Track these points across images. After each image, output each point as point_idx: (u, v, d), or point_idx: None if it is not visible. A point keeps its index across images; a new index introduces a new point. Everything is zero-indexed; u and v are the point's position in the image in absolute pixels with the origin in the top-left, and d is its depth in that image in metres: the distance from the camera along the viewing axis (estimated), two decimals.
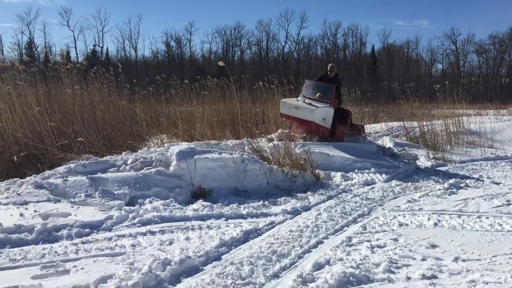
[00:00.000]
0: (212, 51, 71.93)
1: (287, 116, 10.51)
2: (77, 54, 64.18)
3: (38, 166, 7.93)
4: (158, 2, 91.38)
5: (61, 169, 7.27)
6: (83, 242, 4.81)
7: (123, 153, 8.25)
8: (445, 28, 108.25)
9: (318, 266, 4.24)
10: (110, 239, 4.95)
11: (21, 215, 5.43)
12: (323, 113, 10.00)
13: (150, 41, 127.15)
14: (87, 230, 5.15)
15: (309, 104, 9.98)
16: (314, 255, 4.59)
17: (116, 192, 6.43)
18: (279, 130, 11.65)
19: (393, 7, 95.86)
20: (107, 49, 69.70)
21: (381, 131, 15.24)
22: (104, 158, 7.85)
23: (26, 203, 5.88)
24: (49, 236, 4.93)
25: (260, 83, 14.30)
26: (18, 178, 6.91)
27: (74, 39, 67.81)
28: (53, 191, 6.33)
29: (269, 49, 70.58)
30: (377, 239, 5.03)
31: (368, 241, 4.96)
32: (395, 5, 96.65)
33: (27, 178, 6.90)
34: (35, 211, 5.61)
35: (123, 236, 5.05)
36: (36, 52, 55.95)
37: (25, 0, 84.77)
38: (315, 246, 4.89)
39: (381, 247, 4.76)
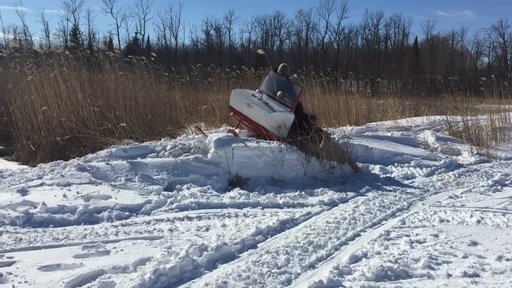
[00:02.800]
0: (251, 40, 71.96)
1: (236, 112, 8.36)
2: (119, 41, 65.43)
3: (81, 149, 8.17)
4: None
5: (102, 153, 7.45)
6: (122, 225, 4.92)
7: (162, 139, 8.37)
8: (492, 19, 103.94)
9: (355, 259, 4.18)
10: (148, 222, 5.05)
11: (64, 196, 5.60)
12: (279, 120, 7.82)
13: (190, 29, 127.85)
14: (127, 213, 5.27)
15: (265, 104, 7.93)
16: (351, 247, 4.53)
17: (155, 177, 6.53)
18: (223, 127, 9.87)
19: None
20: (148, 37, 71.20)
21: (422, 125, 14.85)
22: (144, 144, 7.99)
23: (69, 184, 6.06)
24: (90, 217, 5.07)
25: (295, 75, 14.16)
26: (62, 161, 7.14)
27: (117, 26, 68.85)
28: (94, 174, 6.49)
29: (308, 39, 69.92)
30: (417, 234, 4.91)
31: (407, 236, 4.85)
32: None
33: (71, 161, 7.12)
34: (77, 192, 5.77)
35: (161, 220, 5.14)
36: (80, 38, 57.45)
37: None
38: (352, 238, 4.82)
39: (421, 243, 4.64)
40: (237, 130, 8.69)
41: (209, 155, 7.22)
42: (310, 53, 68.24)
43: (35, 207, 5.10)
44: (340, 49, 69.34)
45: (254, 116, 7.94)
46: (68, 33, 62.08)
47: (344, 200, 6.37)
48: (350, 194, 6.69)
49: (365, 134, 10.53)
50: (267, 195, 6.34)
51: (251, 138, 7.56)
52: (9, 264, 3.79)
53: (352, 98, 16.05)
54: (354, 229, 5.06)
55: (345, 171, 7.67)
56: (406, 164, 8.71)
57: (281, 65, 8.96)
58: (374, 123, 14.32)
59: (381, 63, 64.32)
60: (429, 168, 8.50)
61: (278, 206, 5.99)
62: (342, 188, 7.01)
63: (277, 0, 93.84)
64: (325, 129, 9.88)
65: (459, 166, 8.99)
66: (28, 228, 4.64)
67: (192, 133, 9.29)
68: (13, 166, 7.69)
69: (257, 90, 8.36)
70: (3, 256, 3.92)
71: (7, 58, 11.21)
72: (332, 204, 6.16)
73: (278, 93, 8.22)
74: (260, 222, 5.17)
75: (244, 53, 67.71)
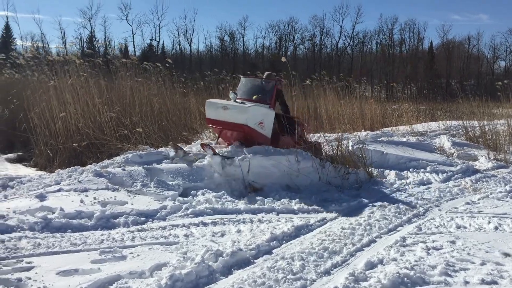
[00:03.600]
0: (265, 46, 72.06)
1: (215, 122, 7.76)
2: (134, 48, 66.05)
3: (97, 155, 8.27)
4: None
5: (119, 158, 7.53)
6: (139, 230, 4.97)
7: (168, 146, 8.42)
8: (508, 23, 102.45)
9: (371, 265, 4.15)
10: (164, 228, 5.09)
11: (82, 201, 5.68)
12: (259, 114, 7.39)
13: (204, 35, 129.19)
14: (143, 218, 5.32)
15: (242, 102, 7.50)
16: (367, 253, 4.51)
17: (170, 183, 6.58)
18: (196, 142, 8.85)
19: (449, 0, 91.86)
20: (163, 44, 71.56)
21: (438, 130, 14.72)
22: (159, 149, 8.05)
23: (86, 190, 6.14)
24: (107, 222, 5.13)
25: (308, 81, 14.14)
26: (79, 166, 7.23)
27: (132, 33, 69.86)
28: (111, 179, 6.56)
29: (322, 44, 69.78)
30: (433, 241, 4.86)
31: (424, 242, 4.81)
32: None
33: (87, 167, 7.21)
34: (94, 198, 5.84)
35: (177, 226, 5.17)
36: (96, 46, 58.22)
37: None
38: (368, 244, 4.80)
39: (438, 249, 4.60)
40: (213, 143, 8.09)
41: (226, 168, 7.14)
42: (324, 58, 68.07)
43: (53, 213, 5.18)
44: (354, 54, 69.05)
45: (233, 117, 7.36)
46: (85, 40, 62.90)
47: (359, 206, 6.34)
48: (365, 199, 6.66)
49: (380, 139, 10.47)
50: (281, 201, 6.34)
51: (267, 147, 7.46)
52: (28, 269, 3.85)
53: (366, 103, 15.99)
54: (369, 235, 5.03)
55: (360, 177, 7.64)
56: (422, 170, 8.63)
57: (266, 73, 8.47)
58: (389, 128, 14.24)
59: (396, 67, 63.85)
60: (446, 174, 8.41)
61: (293, 212, 5.99)
62: (357, 193, 6.98)
63: (291, 5, 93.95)
64: (315, 137, 9.81)
65: (476, 171, 8.88)
66: (47, 233, 4.71)
67: (207, 139, 9.34)
68: (31, 172, 7.82)
69: (230, 94, 7.65)
70: (22, 261, 3.99)
71: (25, 65, 11.42)
72: (348, 210, 6.14)
73: (254, 96, 7.66)
74: (275, 228, 5.17)
75: (258, 59, 67.83)
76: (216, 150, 7.25)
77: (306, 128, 8.84)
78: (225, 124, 7.55)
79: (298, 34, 70.82)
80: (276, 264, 4.09)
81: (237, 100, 7.50)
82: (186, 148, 7.91)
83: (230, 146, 7.51)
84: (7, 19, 61.75)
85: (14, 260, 3.99)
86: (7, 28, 61.15)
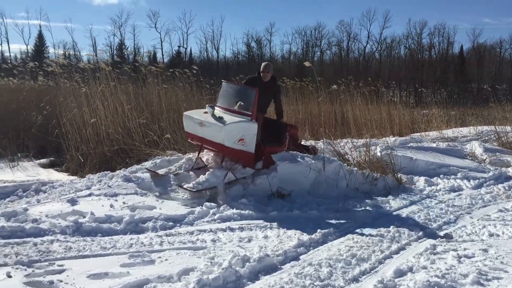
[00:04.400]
0: (292, 51, 72.09)
1: (193, 136, 7.20)
2: (163, 55, 67.12)
3: (126, 160, 8.40)
4: (240, 4, 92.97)
5: (147, 164, 7.64)
6: (167, 235, 5.03)
7: (205, 150, 8.48)
8: None
9: (400, 273, 4.09)
10: (192, 233, 5.12)
11: (111, 206, 5.78)
12: (237, 131, 6.60)
13: (231, 42, 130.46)
14: (171, 223, 5.37)
15: (219, 118, 6.69)
16: (396, 261, 4.44)
17: None
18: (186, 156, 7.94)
19: (480, 3, 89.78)
20: (191, 50, 72.14)
21: (469, 135, 14.38)
22: (186, 155, 8.12)
23: (115, 195, 6.24)
24: (136, 227, 5.20)
25: (335, 86, 14.05)
26: (109, 171, 7.37)
27: (161, 40, 70.86)
28: (140, 184, 6.66)
29: (349, 49, 69.37)
30: (465, 249, 4.75)
31: (455, 250, 4.70)
32: (483, 1, 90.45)
33: (117, 172, 7.35)
34: (123, 203, 5.94)
35: (204, 231, 5.20)
36: (126, 53, 59.35)
37: (113, 4, 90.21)
38: (397, 252, 4.72)
39: (469, 257, 4.49)
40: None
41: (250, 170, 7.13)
42: (351, 63, 67.60)
43: (84, 217, 5.29)
44: (382, 59, 68.32)
45: (209, 134, 6.71)
46: (115, 47, 64.25)
47: (388, 213, 6.25)
48: (394, 206, 6.56)
49: (409, 145, 10.30)
50: (308, 206, 6.30)
51: (295, 153, 7.42)
52: (60, 272, 3.94)
53: (394, 109, 15.78)
54: (398, 242, 4.96)
55: (388, 183, 7.53)
56: (453, 176, 8.45)
57: (263, 63, 7.68)
58: (418, 133, 14.00)
59: (425, 72, 62.85)
60: (477, 180, 8.21)
61: (320, 217, 5.95)
62: (386, 200, 6.88)
63: (318, 11, 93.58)
64: (309, 143, 9.49)
65: (509, 178, 8.63)
66: (77, 237, 4.81)
67: None
68: (63, 176, 8.00)
69: (207, 107, 6.94)
70: (54, 264, 4.08)
71: (57, 73, 11.73)
72: (375, 216, 6.06)
73: (238, 103, 6.91)
74: (302, 234, 5.15)
75: (285, 64, 67.84)
76: (186, 186, 6.52)
77: (298, 132, 8.26)
78: (203, 140, 6.96)
79: (325, 40, 70.58)
80: (303, 270, 4.07)
81: (215, 113, 6.77)
82: (163, 171, 7.15)
83: (207, 174, 6.66)
84: (40, 28, 63.79)
85: (47, 263, 4.09)
86: (40, 36, 63.07)
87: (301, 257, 4.52)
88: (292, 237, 5.03)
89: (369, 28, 67.84)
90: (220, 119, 6.62)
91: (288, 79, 15.29)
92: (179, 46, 68.88)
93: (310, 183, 7.12)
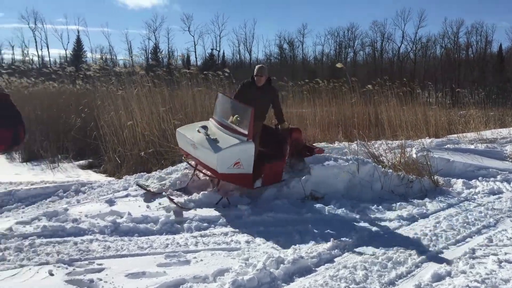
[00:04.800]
0: (325, 52, 71.69)
1: (188, 154, 6.73)
2: (196, 57, 68.03)
3: (162, 162, 8.54)
4: (272, 6, 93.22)
5: (182, 165, 7.75)
6: (201, 236, 5.09)
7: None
8: None
9: (438, 277, 4.01)
10: (226, 234, 5.17)
11: (148, 207, 5.89)
12: (232, 156, 6.05)
13: (263, 44, 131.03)
14: (205, 224, 5.43)
15: (212, 140, 6.14)
16: (433, 265, 4.35)
17: None
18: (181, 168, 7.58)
19: None
20: (223, 53, 72.82)
21: (509, 137, 13.93)
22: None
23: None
24: (171, 227, 5.28)
25: (369, 86, 13.87)
26: (145, 173, 7.52)
27: (194, 43, 71.60)
28: (175, 186, 6.76)
29: (383, 49, 68.40)
30: (505, 253, 4.62)
31: (495, 254, 4.58)
32: None
33: (153, 173, 7.48)
34: (159, 203, 6.04)
35: (238, 232, 5.24)
36: (160, 56, 60.41)
37: (147, 8, 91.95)
38: (434, 255, 4.63)
39: (510, 262, 4.36)
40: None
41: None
42: (385, 63, 66.57)
43: (122, 217, 5.41)
44: (417, 59, 67.01)
45: (203, 157, 6.27)
46: (149, 51, 65.46)
47: (424, 216, 6.13)
48: (431, 209, 6.43)
49: (445, 146, 10.07)
50: (342, 209, 6.25)
51: (328, 155, 7.37)
52: (99, 270, 4.05)
53: (430, 109, 15.45)
54: (436, 246, 4.86)
55: (424, 185, 7.39)
56: (492, 179, 8.22)
57: (257, 66, 7.04)
58: (455, 135, 13.67)
59: (462, 72, 61.23)
60: None
61: (355, 220, 5.89)
62: (422, 203, 6.75)
63: (351, 12, 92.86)
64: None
65: None
66: (115, 236, 4.93)
67: None
68: (101, 177, 8.22)
69: (199, 127, 6.37)
70: (93, 262, 4.20)
71: (94, 76, 12.06)
72: (412, 219, 5.96)
73: (235, 117, 6.40)
74: (337, 236, 5.10)
75: (317, 66, 67.49)
76: (176, 200, 6.09)
77: (301, 135, 7.65)
78: (197, 160, 6.49)
79: (358, 40, 69.88)
80: (338, 273, 4.05)
81: (209, 132, 6.24)
82: (155, 187, 6.70)
83: (201, 193, 6.30)
84: (78, 33, 65.74)
85: (86, 262, 4.21)
86: (78, 41, 65.00)
87: (335, 259, 4.49)
88: (326, 239, 5.00)
89: (403, 28, 66.91)
90: (213, 142, 6.08)
91: (321, 81, 15.21)
92: (212, 49, 69.67)
93: (344, 186, 7.06)
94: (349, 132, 12.16)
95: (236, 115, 6.40)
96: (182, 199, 6.15)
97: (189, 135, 6.45)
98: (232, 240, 4.97)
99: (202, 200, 6.18)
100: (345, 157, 7.46)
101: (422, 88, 19.36)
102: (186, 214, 5.66)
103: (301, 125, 12.78)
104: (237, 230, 5.31)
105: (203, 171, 6.86)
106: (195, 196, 6.26)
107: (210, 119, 6.96)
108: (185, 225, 5.33)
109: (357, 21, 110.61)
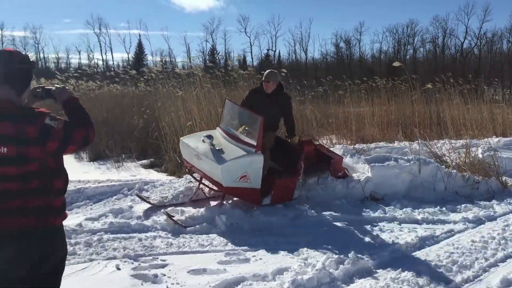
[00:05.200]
0: (382, 50, 69.97)
1: (192, 166, 6.32)
2: (252, 58, 68.59)
3: None
4: (329, 5, 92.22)
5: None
6: (260, 235, 5.13)
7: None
8: None
9: (507, 283, 3.83)
10: (284, 233, 5.18)
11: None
12: (239, 168, 5.62)
13: (319, 43, 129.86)
14: (264, 223, 5.47)
15: (217, 151, 5.72)
16: (502, 270, 4.15)
17: None
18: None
19: None
20: (279, 53, 72.98)
21: None
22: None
23: None
24: (230, 226, 5.36)
25: (429, 85, 13.37)
26: None
27: (250, 44, 72.07)
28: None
29: (445, 45, 65.76)
30: None
31: None
32: None
33: None
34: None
35: (297, 231, 5.24)
36: (217, 58, 61.44)
37: (205, 11, 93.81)
38: (503, 260, 4.42)
39: None
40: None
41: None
42: (447, 60, 63.97)
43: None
44: (482, 55, 63.91)
45: (207, 169, 5.86)
46: (207, 53, 66.77)
47: (492, 218, 5.85)
48: (499, 211, 6.13)
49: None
50: (404, 210, 6.09)
51: (388, 155, 7.19)
52: (163, 266, 4.20)
53: (497, 107, 14.69)
54: (504, 250, 4.63)
55: (491, 187, 7.05)
56: None
57: (266, 72, 6.58)
58: None
59: None
60: None
61: (416, 222, 5.71)
62: (489, 205, 6.44)
63: (410, 8, 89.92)
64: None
65: None
66: (177, 234, 5.07)
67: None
68: (163, 176, 8.46)
69: (203, 137, 5.95)
70: (157, 258, 4.36)
71: (155, 79, 12.44)
72: (478, 222, 5.71)
73: (242, 127, 6.12)
74: (397, 238, 5.01)
75: (375, 64, 65.99)
76: (176, 218, 5.49)
77: (313, 146, 6.95)
78: (202, 173, 6.07)
79: (418, 37, 67.54)
80: (400, 275, 3.95)
81: (214, 142, 5.79)
82: (155, 199, 6.32)
83: (204, 208, 5.76)
84: (139, 37, 68.17)
85: (151, 258, 4.37)
86: (139, 45, 67.37)
87: (397, 261, 4.39)
88: (387, 241, 4.90)
89: (467, 22, 63.83)
90: (218, 153, 5.68)
91: (379, 79, 14.88)
92: (268, 49, 69.93)
93: (405, 187, 6.87)
94: (409, 131, 11.78)
95: (244, 125, 6.09)
96: (183, 216, 5.53)
97: (193, 145, 6.00)
98: (290, 240, 4.97)
99: (205, 215, 5.55)
100: (406, 157, 7.26)
101: (487, 85, 18.45)
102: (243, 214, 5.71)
103: (359, 124, 12.59)
104: (296, 229, 5.31)
105: (208, 185, 6.37)
106: (197, 212, 5.66)
107: (217, 128, 6.57)
108: (245, 224, 5.40)
109: (417, 17, 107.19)
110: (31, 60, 2.36)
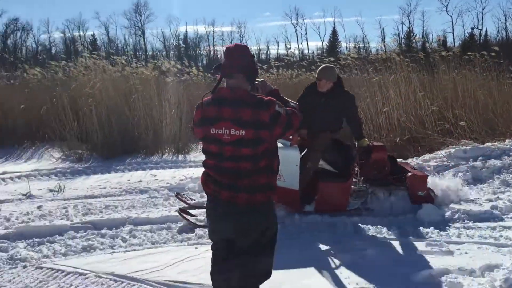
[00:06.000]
0: None
1: None
2: (454, 39, 63.03)
3: (418, 149, 8.34)
4: None
5: (440, 153, 7.42)
6: (465, 227, 4.84)
7: (507, 140, 7.68)
8: None
9: None
10: (493, 228, 4.78)
11: None
12: None
13: None
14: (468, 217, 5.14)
15: None
16: None
17: None
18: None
19: None
20: (486, 31, 65.38)
21: None
22: (485, 145, 7.52)
23: None
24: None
25: None
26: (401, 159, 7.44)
27: (452, 24, 66.32)
28: None
29: None
30: None
31: None
32: None
33: (409, 160, 7.39)
34: None
35: (509, 227, 4.76)
36: (414, 40, 58.27)
37: None
38: None
39: None
40: None
41: None
42: None
43: None
44: None
45: None
46: (403, 36, 63.88)
47: None
48: None
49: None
50: None
51: None
52: None
53: None
54: None
55: None
56: None
57: (319, 69, 5.51)
58: None
59: None
60: None
61: None
62: None
63: None
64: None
65: None
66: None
67: None
68: None
69: None
70: None
71: (351, 65, 12.47)
72: None
73: None
74: None
75: None
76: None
77: (386, 155, 5.68)
78: None
79: None
80: None
81: None
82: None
83: None
84: (334, 24, 68.90)
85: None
86: (334, 33, 68.09)
87: None
88: None
89: None
90: None
91: None
92: (472, 28, 63.45)
93: None
94: None
95: None
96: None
97: None
98: (501, 236, 4.54)
99: None
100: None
101: None
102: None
103: None
104: (507, 225, 4.83)
105: None
106: None
107: None
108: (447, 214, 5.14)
109: None
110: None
